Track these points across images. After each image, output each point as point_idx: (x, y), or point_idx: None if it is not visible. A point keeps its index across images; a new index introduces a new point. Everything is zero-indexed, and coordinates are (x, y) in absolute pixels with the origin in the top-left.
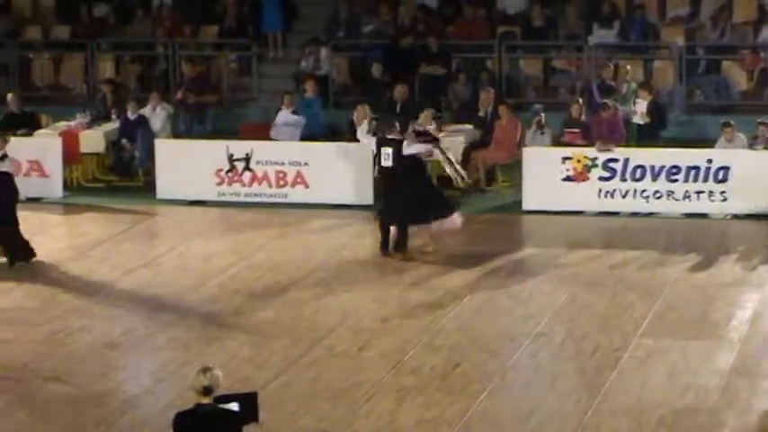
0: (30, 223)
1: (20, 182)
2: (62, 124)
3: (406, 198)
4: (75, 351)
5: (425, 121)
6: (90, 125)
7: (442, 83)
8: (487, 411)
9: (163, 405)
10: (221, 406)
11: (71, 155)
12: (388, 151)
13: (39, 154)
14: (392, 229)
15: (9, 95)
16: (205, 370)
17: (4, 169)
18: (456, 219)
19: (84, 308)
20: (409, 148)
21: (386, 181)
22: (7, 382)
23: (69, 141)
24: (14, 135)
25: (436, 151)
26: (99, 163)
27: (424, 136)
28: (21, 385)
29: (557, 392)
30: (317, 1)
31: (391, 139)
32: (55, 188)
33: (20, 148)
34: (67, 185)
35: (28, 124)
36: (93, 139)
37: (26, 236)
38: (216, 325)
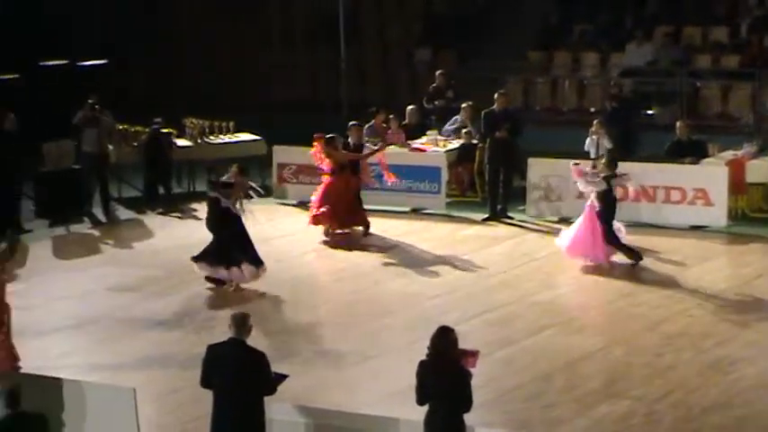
0: (692, 250)
1: (683, 209)
2: (729, 153)
3: None
4: (739, 380)
5: None
6: (757, 155)
7: None
8: None
9: None
10: None
11: (737, 184)
12: None
13: (705, 182)
14: None
15: (678, 123)
16: None
17: None
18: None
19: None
20: None
21: None
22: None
23: (736, 170)
24: (680, 162)
25: None
26: (765, 194)
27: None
28: (677, 410)
29: None
30: None
31: None
32: (719, 217)
33: (686, 175)
34: (732, 215)
35: (695, 152)
36: (759, 169)
37: (688, 262)
38: None
